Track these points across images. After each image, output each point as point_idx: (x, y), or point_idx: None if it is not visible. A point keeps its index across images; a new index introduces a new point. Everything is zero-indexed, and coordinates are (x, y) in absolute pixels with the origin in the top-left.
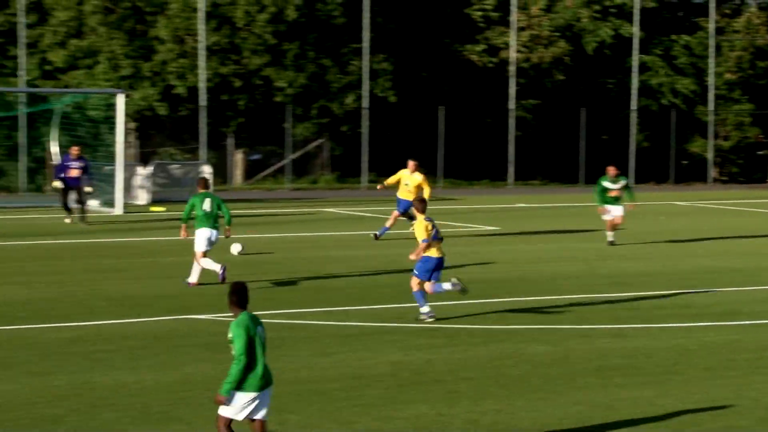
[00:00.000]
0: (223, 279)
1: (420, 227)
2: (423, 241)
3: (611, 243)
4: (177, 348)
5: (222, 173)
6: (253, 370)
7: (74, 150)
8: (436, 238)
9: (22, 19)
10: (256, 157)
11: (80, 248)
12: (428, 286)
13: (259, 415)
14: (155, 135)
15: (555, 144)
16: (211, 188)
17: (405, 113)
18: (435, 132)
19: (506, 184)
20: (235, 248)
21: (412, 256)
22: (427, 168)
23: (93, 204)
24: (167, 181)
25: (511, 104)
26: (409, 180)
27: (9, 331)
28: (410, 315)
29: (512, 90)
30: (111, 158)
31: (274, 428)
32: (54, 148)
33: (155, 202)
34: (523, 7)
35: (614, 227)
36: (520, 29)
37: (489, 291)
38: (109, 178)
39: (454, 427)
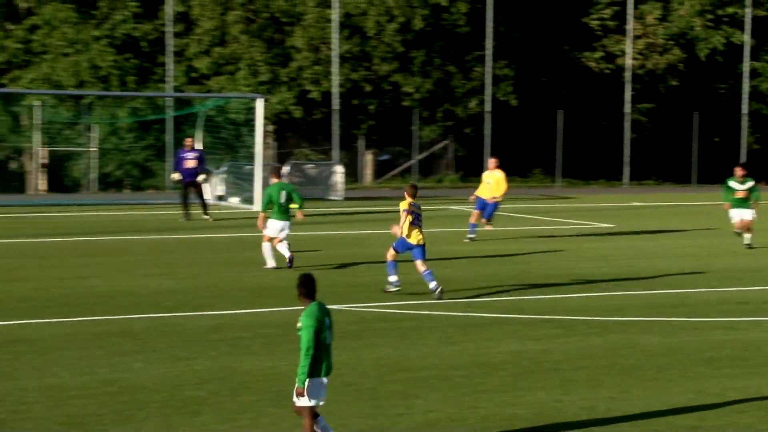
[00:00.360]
0: (270, 267)
1: (404, 203)
2: (404, 210)
3: (748, 245)
4: None
5: (353, 172)
6: (321, 358)
7: (188, 141)
8: (414, 223)
9: (170, 29)
10: (384, 157)
11: (222, 242)
12: (421, 266)
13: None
14: (291, 137)
15: (668, 146)
16: (284, 178)
17: (525, 116)
18: (554, 134)
19: (621, 184)
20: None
21: (396, 228)
22: (545, 168)
23: (233, 201)
24: (303, 180)
25: (627, 108)
26: (490, 178)
27: (156, 318)
28: (528, 307)
29: (628, 95)
30: (250, 158)
31: (400, 412)
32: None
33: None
34: (639, 17)
35: (747, 229)
36: (636, 37)
37: (605, 285)
38: (249, 177)
39: (571, 413)
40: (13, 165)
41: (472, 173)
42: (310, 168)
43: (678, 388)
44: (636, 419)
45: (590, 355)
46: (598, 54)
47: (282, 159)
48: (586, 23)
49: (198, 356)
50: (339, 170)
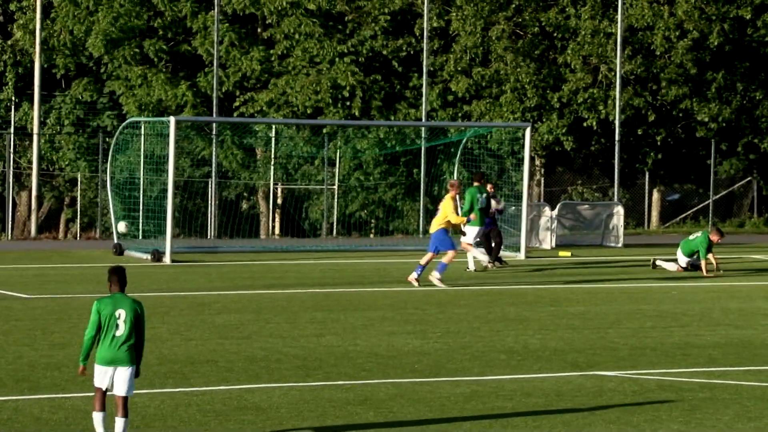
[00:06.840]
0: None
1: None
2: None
3: None
4: (583, 407)
5: (636, 215)
6: (102, 346)
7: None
8: None
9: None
10: (674, 197)
11: (475, 295)
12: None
13: (116, 391)
14: (563, 171)
15: None
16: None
17: None
18: None
19: None
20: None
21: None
22: None
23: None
24: (575, 223)
25: None
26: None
27: (402, 384)
28: None
29: None
30: (516, 198)
31: None
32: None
33: (561, 246)
34: None
35: None
36: None
37: None
38: (514, 219)
39: None
40: (244, 205)
41: None
42: (584, 209)
43: None
44: None
45: None
46: None
47: (552, 198)
48: None
49: (451, 430)
50: (619, 212)
